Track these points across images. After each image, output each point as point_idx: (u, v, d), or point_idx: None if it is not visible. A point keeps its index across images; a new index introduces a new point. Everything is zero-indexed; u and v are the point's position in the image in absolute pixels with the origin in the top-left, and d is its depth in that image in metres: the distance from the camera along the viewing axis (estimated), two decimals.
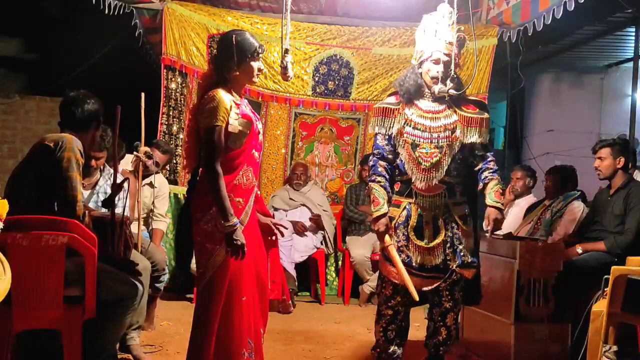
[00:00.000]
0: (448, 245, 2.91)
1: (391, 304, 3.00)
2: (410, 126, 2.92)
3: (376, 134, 3.05)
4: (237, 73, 2.54)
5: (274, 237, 2.78)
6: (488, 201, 2.90)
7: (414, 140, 2.91)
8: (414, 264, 2.91)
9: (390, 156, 3.00)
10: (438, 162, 2.89)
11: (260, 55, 2.58)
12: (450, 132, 2.91)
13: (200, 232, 2.53)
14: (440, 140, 2.90)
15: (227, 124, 2.47)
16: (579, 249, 3.66)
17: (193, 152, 2.62)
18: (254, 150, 2.61)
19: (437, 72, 2.86)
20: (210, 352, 2.49)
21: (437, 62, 2.86)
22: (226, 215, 2.41)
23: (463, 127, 2.91)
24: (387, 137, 2.99)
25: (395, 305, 3.00)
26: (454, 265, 2.90)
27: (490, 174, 2.93)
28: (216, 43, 2.66)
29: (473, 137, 2.91)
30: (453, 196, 2.94)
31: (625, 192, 3.67)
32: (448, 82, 2.89)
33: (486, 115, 2.96)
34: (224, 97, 2.47)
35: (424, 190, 2.91)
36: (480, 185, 2.96)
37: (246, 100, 2.69)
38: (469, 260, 2.91)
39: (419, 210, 2.92)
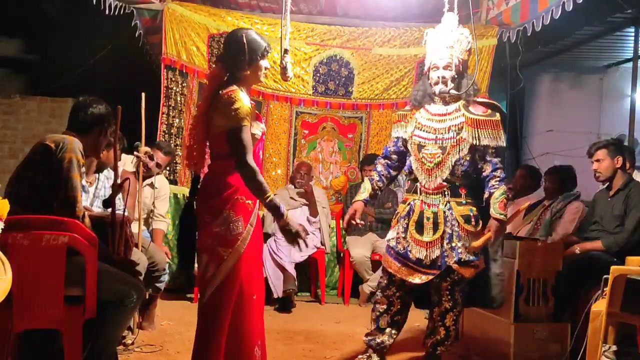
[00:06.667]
0: (446, 241, 2.94)
1: (386, 293, 3.11)
2: (419, 129, 3.05)
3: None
4: (248, 72, 2.52)
5: None
6: (492, 212, 2.91)
7: (420, 142, 3.03)
8: (411, 257, 2.98)
9: (393, 155, 3.20)
10: (441, 162, 2.97)
11: (268, 54, 2.58)
12: (455, 133, 2.96)
13: (210, 235, 2.45)
14: (445, 141, 2.98)
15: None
16: (577, 250, 3.66)
17: (201, 154, 2.58)
18: (259, 151, 2.61)
19: (437, 77, 2.99)
20: (220, 353, 2.43)
21: (435, 68, 3.01)
22: (278, 212, 2.43)
23: (471, 129, 2.94)
24: (395, 140, 3.19)
25: (391, 296, 3.10)
26: (451, 262, 2.92)
27: (497, 182, 2.93)
28: (223, 42, 2.67)
29: (484, 140, 2.94)
30: (456, 196, 2.97)
31: (625, 193, 3.66)
32: (450, 82, 2.98)
33: (496, 116, 2.97)
34: (244, 97, 2.44)
35: (428, 188, 3.00)
36: (487, 193, 2.96)
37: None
38: (466, 258, 2.91)
39: (422, 206, 3.00)
